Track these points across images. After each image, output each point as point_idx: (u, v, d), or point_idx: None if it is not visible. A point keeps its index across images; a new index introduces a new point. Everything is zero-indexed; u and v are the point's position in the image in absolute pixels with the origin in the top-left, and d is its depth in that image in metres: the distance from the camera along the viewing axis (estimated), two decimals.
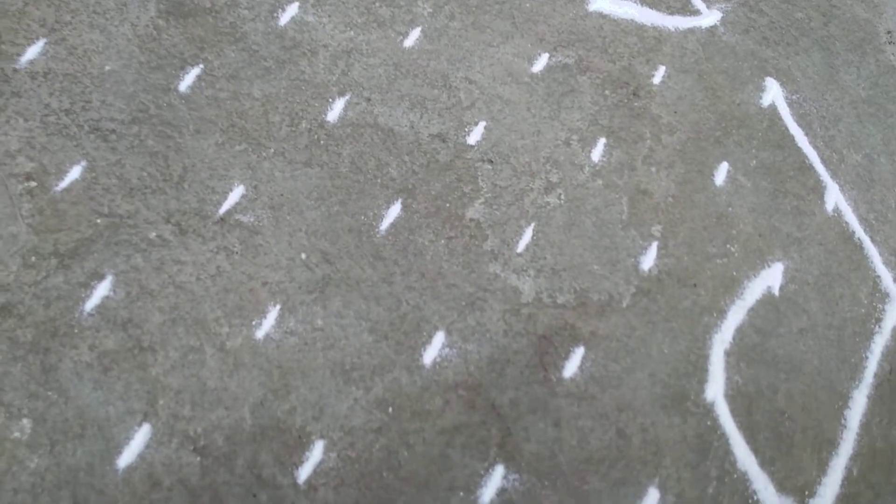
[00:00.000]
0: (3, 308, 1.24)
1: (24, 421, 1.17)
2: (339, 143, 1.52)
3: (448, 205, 1.49)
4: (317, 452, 1.21)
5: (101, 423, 1.19)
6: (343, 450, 1.22)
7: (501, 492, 1.20)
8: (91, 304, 1.27)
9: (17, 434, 1.16)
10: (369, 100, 1.59)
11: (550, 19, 1.79)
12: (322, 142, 1.51)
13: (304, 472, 1.19)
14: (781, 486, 1.28)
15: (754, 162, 1.69)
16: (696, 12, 1.91)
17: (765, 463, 1.30)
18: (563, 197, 1.54)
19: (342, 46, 1.62)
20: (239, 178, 1.44)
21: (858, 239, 1.59)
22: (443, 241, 1.44)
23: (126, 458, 1.17)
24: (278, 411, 1.24)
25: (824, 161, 1.73)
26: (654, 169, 1.63)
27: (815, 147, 1.75)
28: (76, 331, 1.26)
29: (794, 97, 1.85)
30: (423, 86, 1.63)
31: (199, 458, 1.18)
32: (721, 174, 1.63)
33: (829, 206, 1.63)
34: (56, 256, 1.30)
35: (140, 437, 1.18)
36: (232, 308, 1.31)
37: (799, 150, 1.74)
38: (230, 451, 1.20)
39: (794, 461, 1.30)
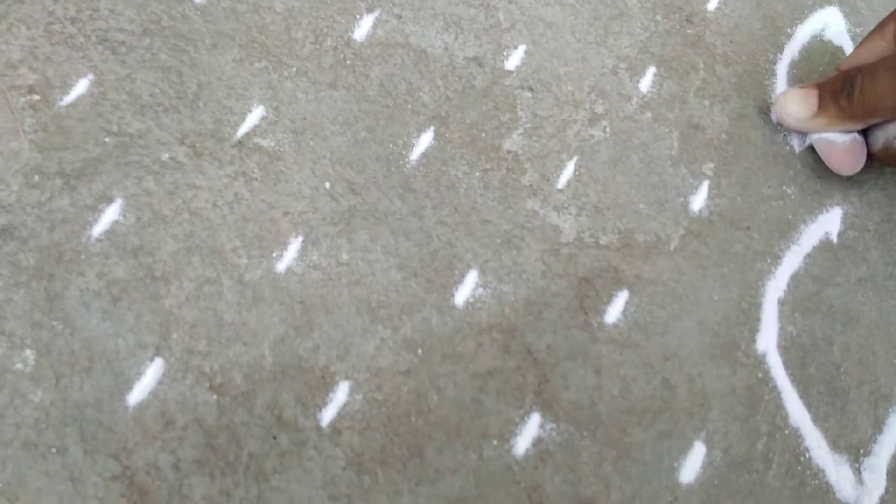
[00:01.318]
0: (4, 230, 1.14)
1: (28, 352, 1.08)
2: (366, 64, 1.39)
3: (484, 135, 1.37)
4: (341, 394, 1.12)
5: (109, 356, 1.10)
6: (369, 392, 1.13)
7: (537, 441, 1.11)
8: (99, 228, 1.17)
9: (19, 366, 1.07)
10: (400, 17, 1.45)
11: None
12: (348, 62, 1.39)
13: (327, 415, 1.10)
14: (835, 444, 1.19)
15: None
16: None
17: (818, 419, 1.20)
18: (608, 130, 1.42)
19: None
20: (258, 99, 1.32)
21: None
22: (477, 174, 1.33)
23: (137, 394, 1.08)
24: (300, 349, 1.14)
25: None
26: (707, 102, 1.50)
27: None
28: (83, 257, 1.16)
29: (857, 30, 1.70)
30: (459, 4, 1.49)
31: (215, 397, 1.09)
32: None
33: None
34: (61, 176, 1.20)
35: (152, 373, 1.10)
36: (251, 238, 1.21)
37: None
38: (248, 390, 1.11)
39: (849, 418, 1.21)
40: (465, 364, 1.10)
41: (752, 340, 1.21)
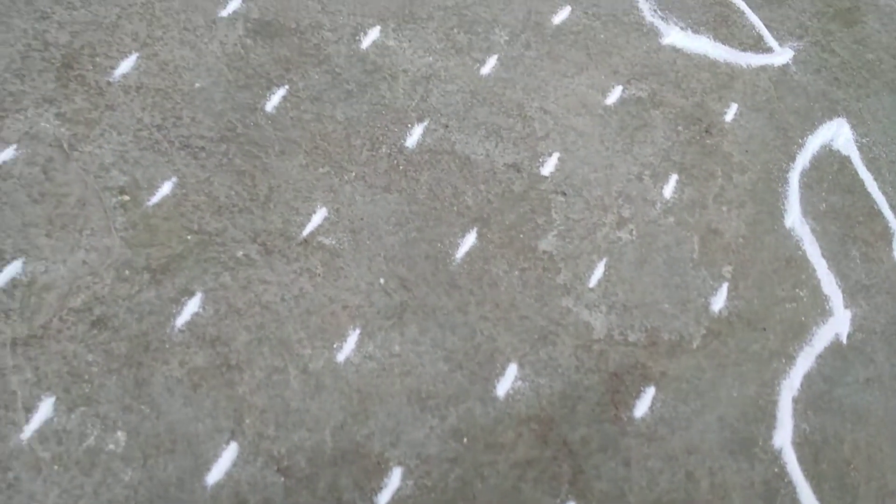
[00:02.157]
0: (98, 320, 1.28)
1: (119, 434, 1.22)
2: (417, 169, 1.55)
3: (522, 236, 1.52)
4: (395, 479, 1.24)
5: (190, 439, 1.23)
6: (419, 478, 1.25)
7: None
8: (181, 319, 1.31)
9: (111, 447, 1.20)
10: (447, 126, 1.62)
11: (624, 51, 1.81)
12: (401, 167, 1.55)
13: (382, 499, 1.23)
14: None
15: (823, 206, 1.70)
16: (769, 50, 1.91)
17: None
18: (634, 232, 1.56)
19: (421, 72, 1.65)
20: (322, 201, 1.48)
21: None
22: (516, 273, 1.47)
23: (214, 475, 1.21)
24: (357, 436, 1.27)
25: (893, 207, 1.73)
26: (725, 208, 1.64)
27: (884, 192, 1.76)
28: (167, 346, 1.30)
29: (864, 140, 1.85)
30: (499, 114, 1.66)
31: (282, 479, 1.22)
32: (791, 216, 1.64)
33: None
34: (148, 271, 1.35)
35: (227, 455, 1.23)
36: (314, 330, 1.35)
37: (868, 195, 1.74)
38: (312, 474, 1.24)
39: None
40: (506, 454, 1.22)
41: (769, 437, 1.33)
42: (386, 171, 1.53)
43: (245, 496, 1.19)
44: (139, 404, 1.24)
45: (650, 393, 1.36)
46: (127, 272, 1.34)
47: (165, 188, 1.44)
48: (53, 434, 1.20)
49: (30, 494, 1.15)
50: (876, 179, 1.76)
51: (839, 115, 1.86)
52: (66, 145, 1.43)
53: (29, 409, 1.21)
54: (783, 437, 1.35)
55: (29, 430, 1.20)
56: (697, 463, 1.31)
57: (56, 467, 1.17)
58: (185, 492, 1.18)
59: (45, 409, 1.21)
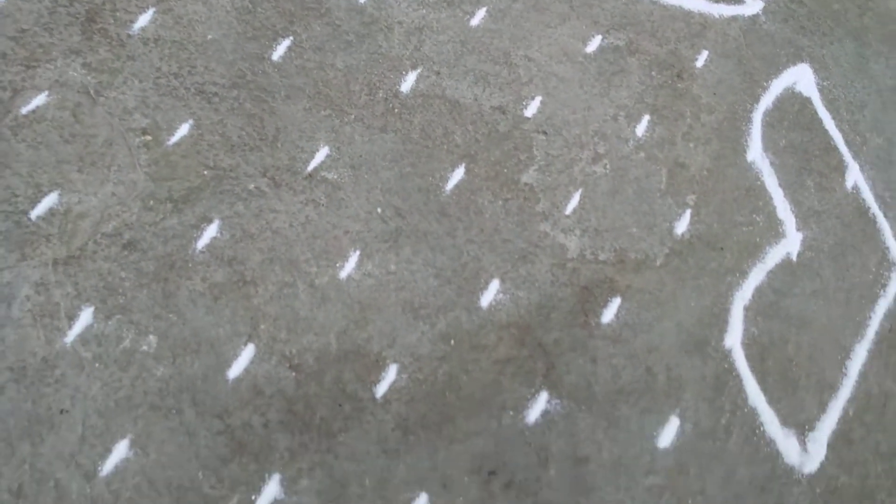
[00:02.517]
0: (129, 243, 1.48)
1: (151, 337, 1.42)
2: (410, 112, 1.73)
3: (505, 170, 1.70)
4: (391, 374, 1.44)
5: (212, 341, 1.43)
6: (413, 373, 1.45)
7: (545, 413, 1.43)
8: (202, 243, 1.51)
9: (144, 348, 1.41)
10: (438, 73, 1.79)
11: (605, 3, 1.97)
12: (396, 110, 1.73)
13: (380, 389, 1.43)
14: (785, 421, 1.49)
15: (783, 142, 1.87)
16: (741, 1, 2.07)
17: (772, 401, 1.51)
18: (608, 167, 1.74)
19: (415, 23, 1.83)
20: (324, 140, 1.66)
21: (873, 214, 1.77)
22: (500, 202, 1.65)
23: (234, 371, 1.41)
24: (358, 339, 1.47)
25: (848, 143, 1.90)
26: (691, 144, 1.82)
27: (841, 130, 1.93)
28: (190, 265, 1.50)
29: (825, 83, 2.01)
30: (487, 62, 1.83)
31: (293, 374, 1.42)
32: (752, 151, 1.81)
33: (849, 184, 1.81)
34: (171, 201, 1.54)
35: (245, 355, 1.43)
36: (319, 252, 1.55)
37: (826, 132, 1.91)
38: (319, 370, 1.44)
39: (798, 401, 1.51)
40: (488, 353, 1.42)
41: (721, 339, 1.53)
42: (382, 114, 1.71)
43: (262, 388, 1.40)
44: (167, 313, 1.44)
45: (616, 303, 1.55)
46: (151, 202, 1.53)
47: (183, 129, 1.62)
48: (93, 338, 1.40)
49: (75, 387, 1.35)
50: (834, 118, 1.93)
51: (803, 61, 2.02)
52: (92, 92, 1.61)
53: (71, 318, 1.41)
54: (733, 339, 1.54)
55: (72, 335, 1.40)
56: (656, 360, 1.51)
57: (97, 365, 1.38)
58: (210, 384, 1.38)
59: (85, 317, 1.42)
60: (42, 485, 1.27)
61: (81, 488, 1.28)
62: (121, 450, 1.31)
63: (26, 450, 1.29)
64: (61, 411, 1.33)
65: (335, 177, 1.60)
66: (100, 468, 1.29)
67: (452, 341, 1.48)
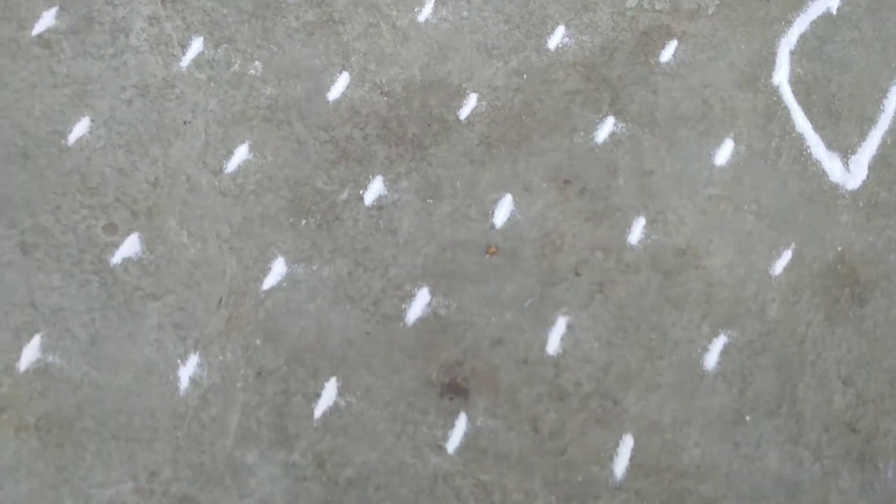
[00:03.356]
0: None
1: (257, 63, 1.56)
2: None
3: None
4: (472, 101, 1.59)
5: (311, 69, 1.57)
6: (491, 101, 1.60)
7: (612, 134, 1.59)
8: None
9: (252, 71, 1.55)
10: None
11: None
12: None
13: (463, 113, 1.58)
14: (829, 146, 1.65)
15: None
16: None
17: (817, 129, 1.66)
18: None
19: None
20: None
21: None
22: None
23: (333, 94, 1.56)
24: (440, 72, 1.61)
25: None
26: None
27: None
28: (283, 5, 1.62)
29: None
30: None
31: (385, 98, 1.57)
32: None
33: None
34: None
35: (341, 81, 1.57)
36: None
37: None
38: (407, 96, 1.58)
39: (841, 130, 1.67)
40: (558, 85, 1.57)
41: (770, 76, 1.67)
42: None
43: (358, 108, 1.55)
44: (268, 44, 1.58)
45: (673, 45, 1.69)
46: None
47: None
48: (205, 62, 1.54)
49: (194, 103, 1.50)
50: None
51: None
52: None
53: (183, 46, 1.55)
54: (781, 76, 1.69)
55: (186, 60, 1.54)
56: (711, 93, 1.65)
57: (212, 84, 1.52)
58: (313, 104, 1.53)
59: (196, 45, 1.55)
60: (175, 178, 1.44)
61: (210, 182, 1.44)
62: (242, 152, 1.47)
63: (157, 151, 1.45)
64: (184, 122, 1.48)
65: None
66: (225, 166, 1.46)
67: (525, 76, 1.62)
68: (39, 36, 1.51)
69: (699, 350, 1.39)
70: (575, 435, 1.29)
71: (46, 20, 1.53)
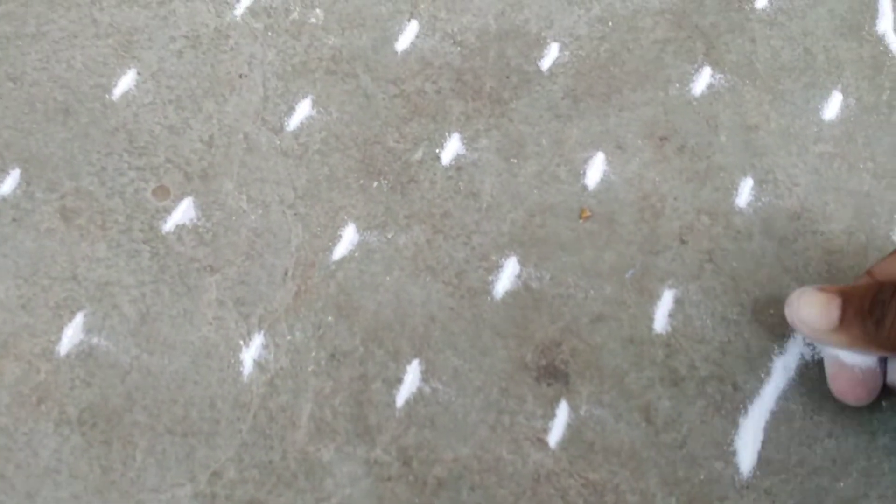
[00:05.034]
0: None
1: (318, 10, 1.23)
2: None
3: None
4: (553, 51, 1.25)
5: (377, 17, 1.24)
6: (574, 50, 1.26)
7: (710, 86, 1.25)
8: None
9: (313, 20, 1.22)
10: None
11: None
12: None
13: (545, 64, 1.24)
14: None
15: None
16: None
17: None
18: None
19: None
20: None
21: None
22: None
23: (401, 44, 1.23)
24: (516, 20, 1.27)
25: None
26: None
27: None
28: None
29: None
30: None
31: (458, 49, 1.24)
32: None
33: None
34: None
35: (410, 30, 1.24)
36: None
37: None
38: (482, 46, 1.25)
39: None
40: (647, 34, 1.22)
41: (874, 24, 1.31)
42: None
43: (429, 60, 1.21)
44: None
45: None
46: None
47: None
48: (262, 10, 1.21)
49: (251, 54, 1.18)
50: None
51: None
52: None
53: None
54: (885, 24, 1.33)
55: (240, 8, 1.21)
56: (813, 42, 1.30)
57: (269, 34, 1.19)
58: (380, 55, 1.20)
59: None
60: (232, 137, 1.12)
61: (270, 140, 1.12)
62: (304, 108, 1.14)
63: (212, 107, 1.13)
64: (240, 76, 1.16)
65: None
66: (286, 124, 1.13)
67: (610, 23, 1.28)
68: None
69: None
70: (693, 425, 0.96)
71: None
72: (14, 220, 0.96)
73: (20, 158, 1.04)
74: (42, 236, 1.01)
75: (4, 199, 0.97)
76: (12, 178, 0.97)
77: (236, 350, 0.97)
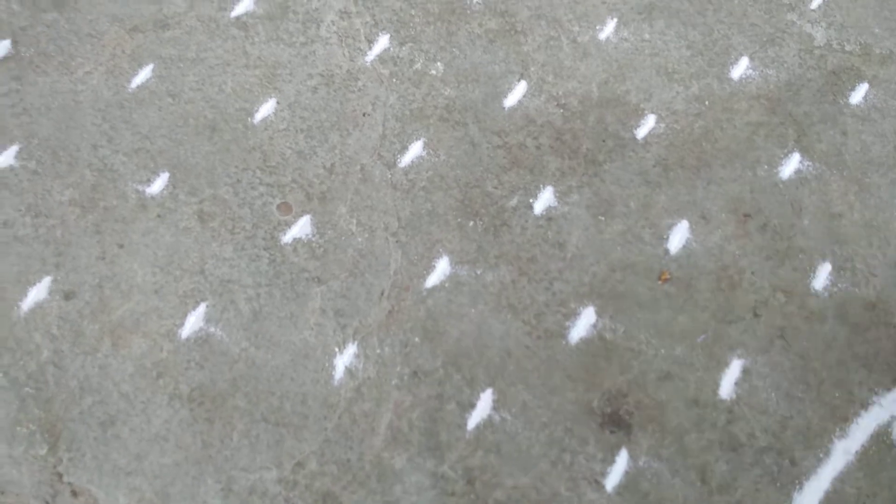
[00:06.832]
0: None
1: (438, 64, 1.33)
2: None
3: None
4: (650, 121, 1.31)
5: (489, 74, 1.33)
6: (670, 123, 1.32)
7: (798, 171, 1.27)
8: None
9: (433, 72, 1.32)
10: None
11: None
12: None
13: (640, 133, 1.30)
14: None
15: None
16: None
17: None
18: None
19: None
20: None
21: None
22: None
23: (509, 101, 1.31)
24: (618, 90, 1.34)
25: None
26: None
27: None
28: (468, 12, 1.39)
29: None
30: None
31: (560, 110, 1.31)
32: None
33: None
34: None
35: (518, 90, 1.32)
36: (580, 14, 1.41)
37: None
38: (583, 111, 1.32)
39: None
40: (741, 116, 1.27)
41: None
42: None
43: (533, 117, 1.29)
44: (450, 47, 1.35)
45: (864, 88, 1.36)
46: None
47: None
48: (389, 59, 1.32)
49: (375, 96, 1.29)
50: None
51: None
52: None
53: (370, 41, 1.34)
54: None
55: (371, 55, 1.32)
56: None
57: (394, 80, 1.30)
58: (489, 108, 1.29)
59: (382, 41, 1.34)
60: (350, 166, 1.22)
61: (383, 174, 1.22)
62: (416, 148, 1.24)
63: (336, 139, 1.24)
64: (364, 114, 1.27)
65: None
66: (399, 160, 1.23)
67: (706, 102, 1.33)
68: (237, 18, 1.34)
69: (888, 417, 1.05)
70: (748, 492, 0.97)
71: (245, 4, 1.35)
72: (158, 216, 1.08)
73: (170, 164, 1.17)
74: (180, 233, 1.13)
75: (153, 198, 1.09)
76: (161, 180, 1.10)
77: (331, 356, 1.05)
